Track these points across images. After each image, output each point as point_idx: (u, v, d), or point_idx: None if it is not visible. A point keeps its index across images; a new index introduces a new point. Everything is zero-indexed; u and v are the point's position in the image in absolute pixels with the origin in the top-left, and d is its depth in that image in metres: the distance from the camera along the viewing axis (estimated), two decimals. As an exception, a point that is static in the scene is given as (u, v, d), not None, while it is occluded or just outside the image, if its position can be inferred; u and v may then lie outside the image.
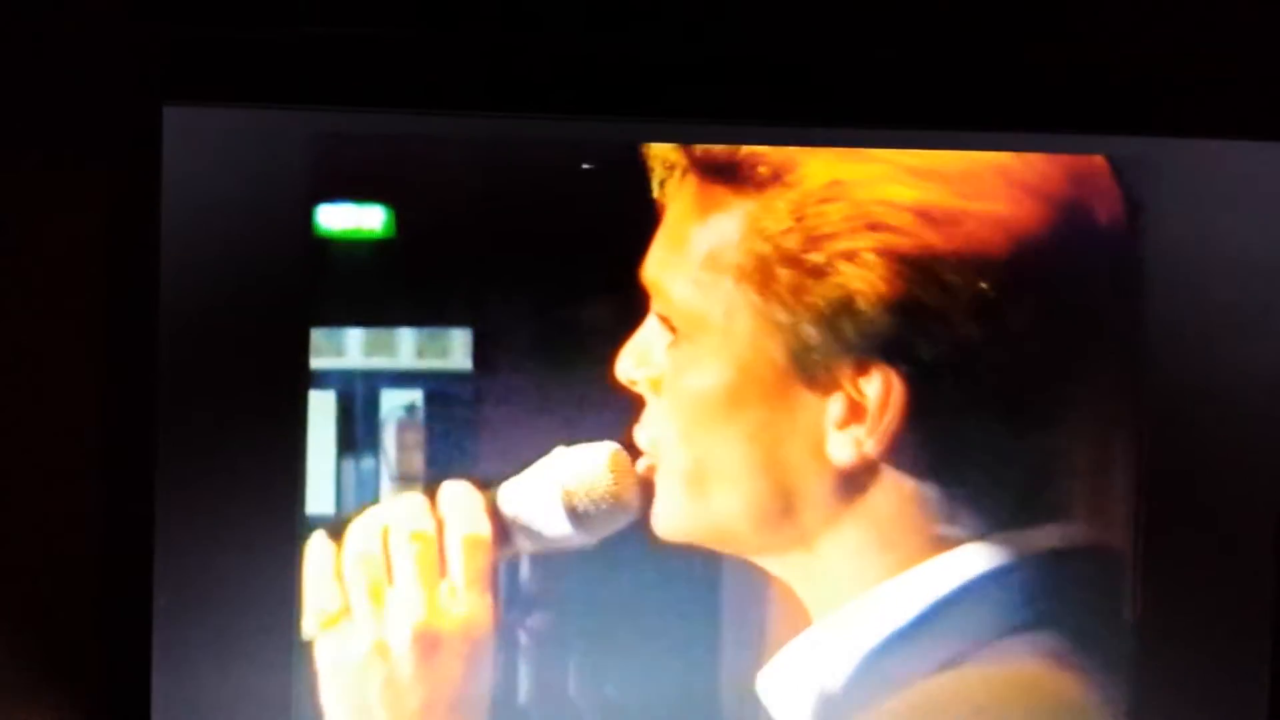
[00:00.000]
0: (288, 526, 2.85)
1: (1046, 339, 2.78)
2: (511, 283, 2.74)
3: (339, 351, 2.87)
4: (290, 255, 2.84)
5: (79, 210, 2.79)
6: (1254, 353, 2.92)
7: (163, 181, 2.78)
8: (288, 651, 2.84)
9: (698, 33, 2.81)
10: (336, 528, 2.84)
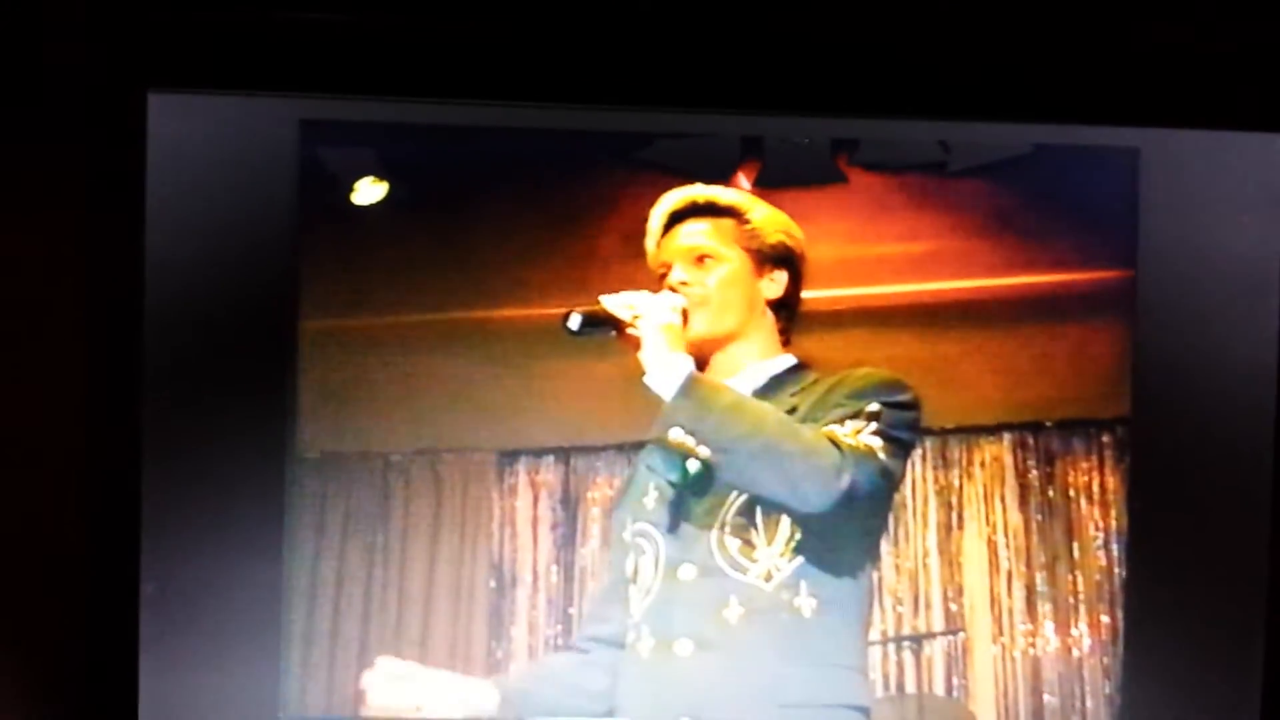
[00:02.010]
0: (274, 520, 2.86)
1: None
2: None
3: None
4: (274, 240, 2.84)
5: (65, 195, 2.77)
6: (1243, 343, 2.96)
7: (148, 167, 2.77)
8: (275, 641, 2.86)
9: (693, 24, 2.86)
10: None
